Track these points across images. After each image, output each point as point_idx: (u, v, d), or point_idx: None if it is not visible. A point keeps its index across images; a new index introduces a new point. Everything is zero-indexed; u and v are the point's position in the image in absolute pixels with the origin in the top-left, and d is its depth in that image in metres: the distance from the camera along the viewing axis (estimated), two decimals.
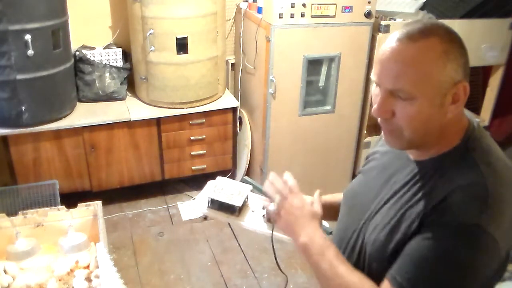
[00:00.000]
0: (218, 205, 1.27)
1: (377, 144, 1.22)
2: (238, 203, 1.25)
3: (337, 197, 1.32)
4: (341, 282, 0.97)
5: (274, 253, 1.21)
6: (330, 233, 1.23)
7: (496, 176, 0.90)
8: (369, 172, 1.15)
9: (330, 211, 1.29)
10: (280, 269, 1.38)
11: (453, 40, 0.90)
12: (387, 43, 0.92)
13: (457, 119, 0.95)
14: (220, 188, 1.29)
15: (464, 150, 0.93)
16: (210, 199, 1.27)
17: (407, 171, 1.00)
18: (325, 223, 1.27)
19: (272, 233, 1.20)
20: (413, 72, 0.88)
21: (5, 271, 1.87)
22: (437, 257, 0.87)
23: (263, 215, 1.27)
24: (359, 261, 1.06)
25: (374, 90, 0.96)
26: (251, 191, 1.34)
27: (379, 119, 0.97)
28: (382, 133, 1.01)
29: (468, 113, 1.00)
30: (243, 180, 1.37)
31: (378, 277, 0.96)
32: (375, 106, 0.94)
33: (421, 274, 0.88)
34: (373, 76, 0.95)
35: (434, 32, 0.89)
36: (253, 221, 1.27)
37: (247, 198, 1.31)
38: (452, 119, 0.92)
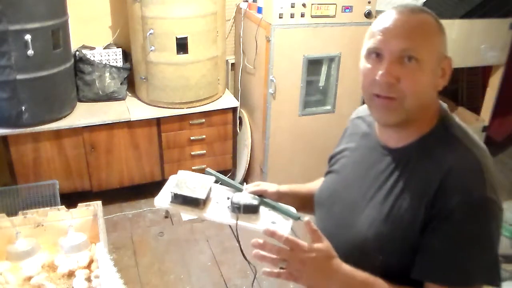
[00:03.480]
0: (181, 200, 1.23)
1: (341, 142, 1.23)
2: (202, 195, 1.22)
3: (302, 187, 1.35)
4: None
5: (239, 243, 1.20)
6: (299, 218, 1.22)
7: (479, 149, 0.95)
8: (342, 170, 1.16)
9: (295, 200, 1.30)
10: (246, 259, 1.32)
11: (438, 19, 0.97)
12: (387, 15, 0.96)
13: (436, 99, 0.99)
14: (183, 182, 1.26)
15: (443, 129, 0.97)
16: (173, 194, 1.23)
17: (387, 161, 1.02)
18: (293, 209, 1.26)
19: (236, 224, 1.19)
20: (421, 36, 0.93)
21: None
22: (467, 241, 0.91)
23: (228, 206, 1.25)
24: (351, 257, 1.02)
25: (367, 63, 0.98)
26: (214, 182, 1.31)
27: (372, 92, 0.96)
28: (372, 111, 1.00)
29: None
30: (206, 172, 1.35)
31: (383, 266, 0.98)
32: (381, 72, 0.93)
33: (461, 263, 0.92)
34: (373, 44, 0.96)
35: (423, 9, 0.97)
36: (218, 212, 1.24)
37: (211, 190, 1.28)
38: (434, 98, 0.97)
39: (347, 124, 1.30)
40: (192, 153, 3.28)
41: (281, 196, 1.30)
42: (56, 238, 2.06)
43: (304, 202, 1.29)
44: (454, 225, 0.90)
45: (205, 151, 3.31)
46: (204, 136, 3.26)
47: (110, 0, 3.23)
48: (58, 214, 2.10)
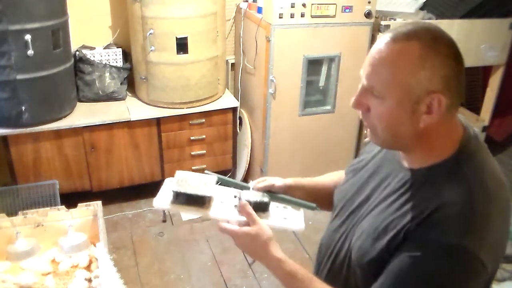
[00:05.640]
0: (184, 199, 1.17)
1: (367, 145, 1.20)
2: (207, 193, 1.17)
3: (310, 180, 1.34)
4: None
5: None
6: (315, 207, 1.24)
7: (485, 194, 0.87)
8: (360, 174, 1.13)
9: (302, 193, 1.28)
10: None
11: (437, 49, 0.86)
12: (378, 41, 0.92)
13: (447, 129, 0.92)
14: (184, 181, 1.19)
15: (456, 163, 0.90)
16: (175, 193, 1.16)
17: (399, 177, 0.98)
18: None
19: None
20: (384, 72, 0.88)
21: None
22: (418, 277, 0.85)
23: (235, 205, 1.20)
24: (343, 265, 1.06)
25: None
26: (216, 183, 1.25)
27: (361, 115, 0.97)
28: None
29: (465, 121, 0.97)
30: (206, 173, 1.29)
31: (360, 282, 0.99)
32: (352, 99, 0.95)
33: None
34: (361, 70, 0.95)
35: (419, 35, 0.86)
36: (224, 211, 1.19)
37: (214, 189, 1.22)
38: (439, 128, 0.90)
39: None
40: (192, 153, 3.28)
41: (287, 190, 1.28)
42: (56, 238, 2.06)
43: (311, 195, 1.28)
44: (414, 256, 0.86)
45: (205, 151, 3.31)
46: (204, 136, 3.26)
47: (110, 0, 3.23)
48: (58, 214, 2.10)
